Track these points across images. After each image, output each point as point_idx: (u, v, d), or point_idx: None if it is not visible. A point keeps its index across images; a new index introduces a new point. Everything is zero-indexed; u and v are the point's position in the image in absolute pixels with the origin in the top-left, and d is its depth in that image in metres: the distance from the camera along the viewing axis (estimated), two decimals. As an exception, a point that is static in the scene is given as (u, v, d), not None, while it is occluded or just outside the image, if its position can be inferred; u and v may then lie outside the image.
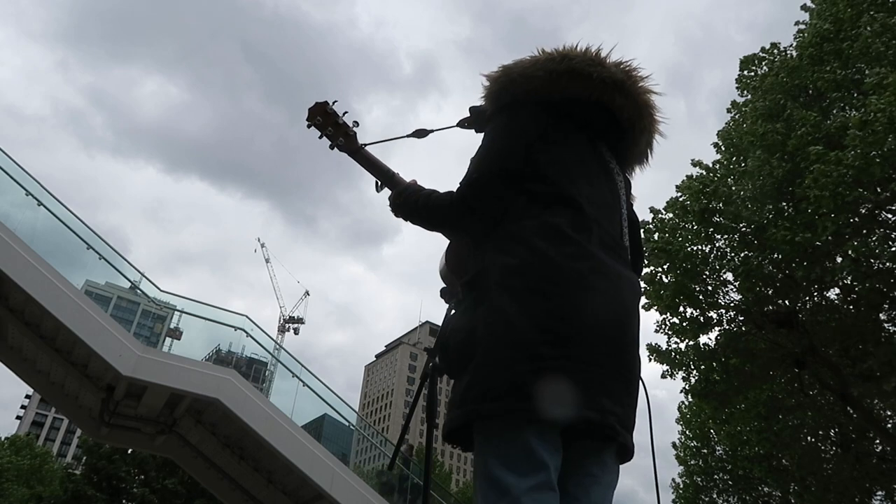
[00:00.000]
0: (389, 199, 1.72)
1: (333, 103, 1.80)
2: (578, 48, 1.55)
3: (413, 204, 1.62)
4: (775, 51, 13.36)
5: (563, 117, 1.54)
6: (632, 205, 1.70)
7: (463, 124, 1.77)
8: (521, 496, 1.19)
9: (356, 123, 1.80)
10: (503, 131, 1.54)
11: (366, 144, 1.80)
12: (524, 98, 1.55)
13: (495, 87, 1.60)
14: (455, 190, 1.54)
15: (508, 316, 1.30)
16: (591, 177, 1.52)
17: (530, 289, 1.32)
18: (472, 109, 1.73)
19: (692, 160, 12.72)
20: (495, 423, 1.28)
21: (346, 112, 1.79)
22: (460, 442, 1.39)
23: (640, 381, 1.45)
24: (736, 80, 14.03)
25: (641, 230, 1.83)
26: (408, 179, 1.78)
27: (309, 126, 1.78)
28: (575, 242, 1.37)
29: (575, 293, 1.31)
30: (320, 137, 1.79)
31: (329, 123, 1.78)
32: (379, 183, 1.78)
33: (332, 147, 1.79)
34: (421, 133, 1.85)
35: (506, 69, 1.58)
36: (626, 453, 1.40)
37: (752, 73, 13.69)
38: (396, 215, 1.68)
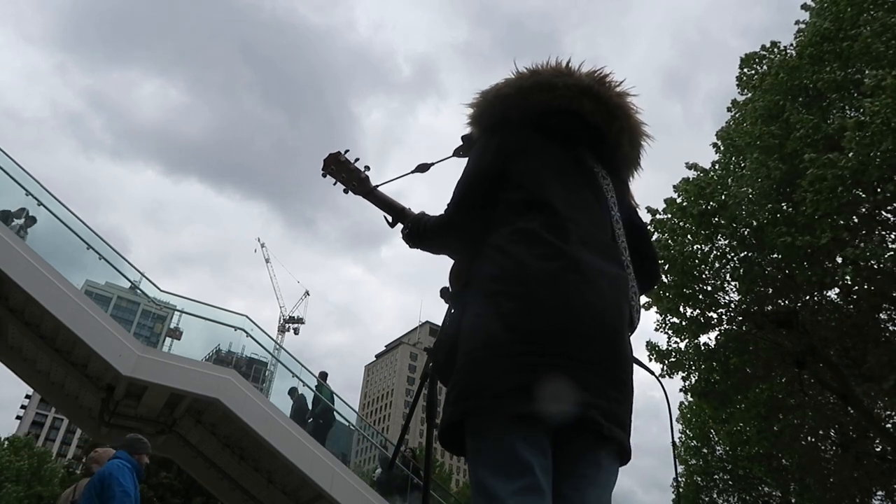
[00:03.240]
0: (402, 232, 1.83)
1: (346, 152, 1.93)
2: (549, 63, 1.64)
3: (418, 233, 1.74)
4: (775, 49, 13.35)
5: (538, 130, 1.61)
6: (633, 209, 1.73)
7: (458, 153, 1.86)
8: (507, 499, 1.20)
9: (367, 168, 1.94)
10: (481, 150, 1.64)
11: (377, 185, 1.94)
12: (501, 118, 1.64)
13: (476, 112, 1.71)
14: (444, 210, 1.66)
15: (483, 319, 1.36)
16: (568, 181, 1.56)
17: (503, 292, 1.37)
18: (463, 138, 1.84)
19: (687, 163, 12.70)
20: (480, 424, 1.30)
21: (357, 159, 1.93)
22: (453, 447, 1.41)
23: (638, 363, 1.46)
24: (736, 78, 14.03)
25: (649, 234, 1.84)
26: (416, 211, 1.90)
27: (324, 175, 1.92)
28: (547, 243, 1.40)
29: (544, 291, 1.34)
30: (335, 184, 1.93)
31: (342, 170, 1.92)
32: (391, 219, 1.90)
33: (346, 192, 1.93)
34: (423, 167, 1.98)
35: (482, 94, 1.69)
36: (624, 452, 1.38)
37: (753, 72, 13.69)
38: (412, 246, 1.78)
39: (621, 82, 1.64)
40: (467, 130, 1.79)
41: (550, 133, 1.61)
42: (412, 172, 1.98)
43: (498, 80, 1.68)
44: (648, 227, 12.27)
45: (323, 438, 10.73)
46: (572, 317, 1.32)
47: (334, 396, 11.81)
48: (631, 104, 1.65)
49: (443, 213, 1.65)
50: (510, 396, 1.25)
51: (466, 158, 1.80)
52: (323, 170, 1.91)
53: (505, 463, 1.24)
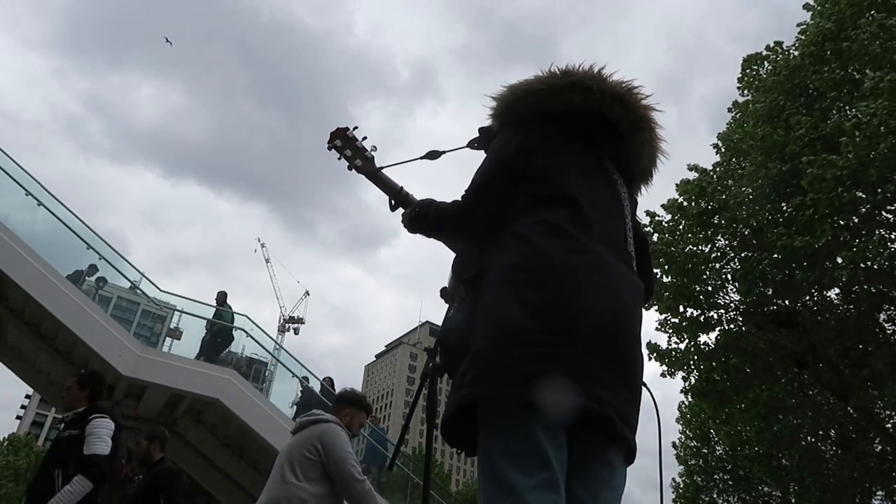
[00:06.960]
0: (403, 216, 1.80)
1: (354, 129, 1.90)
2: (581, 67, 1.61)
3: (425, 216, 1.69)
4: (778, 49, 13.35)
5: (564, 129, 1.60)
6: (639, 223, 1.73)
7: (473, 145, 1.81)
8: (527, 494, 1.17)
9: (374, 148, 1.90)
10: (506, 141, 1.61)
11: (383, 167, 1.91)
12: (528, 113, 1.62)
13: (501, 105, 1.67)
14: (461, 197, 1.62)
15: (504, 307, 1.33)
16: (591, 182, 1.55)
17: (526, 281, 1.35)
18: (481, 130, 1.79)
19: (688, 165, 12.70)
20: (499, 413, 1.27)
21: (365, 137, 1.90)
22: (456, 438, 1.39)
23: (644, 385, 1.45)
24: (738, 79, 14.03)
25: (650, 250, 1.84)
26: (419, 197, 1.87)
27: (329, 149, 1.88)
28: (573, 238, 1.39)
29: (569, 285, 1.33)
30: (339, 159, 1.89)
31: (348, 147, 1.89)
32: (393, 202, 1.87)
33: (349, 168, 1.89)
34: (434, 154, 1.94)
35: (511, 88, 1.66)
36: (631, 453, 1.39)
37: (755, 73, 13.69)
38: (411, 231, 1.74)
39: (649, 95, 1.63)
40: (487, 122, 1.75)
41: (575, 134, 1.60)
42: (422, 158, 1.94)
43: (528, 77, 1.65)
44: (647, 227, 12.23)
45: (219, 356, 10.95)
46: (595, 313, 1.31)
47: (234, 317, 11.79)
48: (655, 119, 1.65)
49: (459, 198, 1.61)
50: (529, 385, 1.23)
51: (480, 151, 1.78)
52: (329, 143, 1.88)
53: (527, 454, 1.22)
